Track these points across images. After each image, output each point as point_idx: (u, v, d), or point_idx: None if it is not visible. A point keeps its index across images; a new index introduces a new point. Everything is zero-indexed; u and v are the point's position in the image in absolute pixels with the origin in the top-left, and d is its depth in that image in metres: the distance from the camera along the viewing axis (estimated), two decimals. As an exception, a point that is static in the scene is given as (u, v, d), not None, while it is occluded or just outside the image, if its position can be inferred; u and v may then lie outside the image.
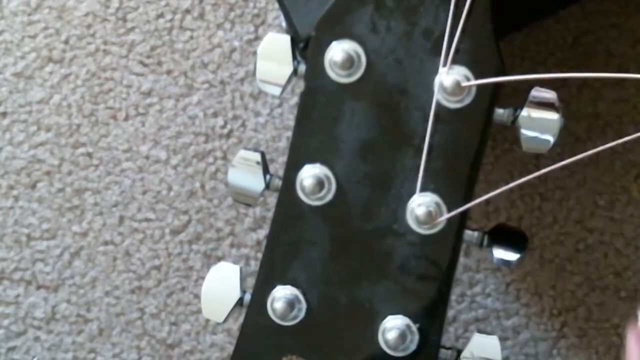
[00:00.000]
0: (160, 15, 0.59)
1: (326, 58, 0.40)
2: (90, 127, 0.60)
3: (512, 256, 0.41)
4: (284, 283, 0.41)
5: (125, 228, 0.60)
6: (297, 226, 0.41)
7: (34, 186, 0.60)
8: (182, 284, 0.60)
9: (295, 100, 0.59)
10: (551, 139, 0.39)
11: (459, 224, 0.40)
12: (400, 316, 0.40)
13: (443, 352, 0.41)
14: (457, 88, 0.39)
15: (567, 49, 0.58)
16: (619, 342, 0.58)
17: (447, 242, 0.40)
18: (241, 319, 0.42)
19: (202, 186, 0.59)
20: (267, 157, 0.56)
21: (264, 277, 0.41)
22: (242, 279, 0.43)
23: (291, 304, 0.41)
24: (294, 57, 0.40)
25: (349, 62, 0.39)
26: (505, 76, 0.39)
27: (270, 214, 0.41)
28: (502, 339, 0.58)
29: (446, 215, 0.39)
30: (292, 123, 0.41)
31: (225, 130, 0.59)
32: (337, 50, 0.39)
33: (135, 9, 0.59)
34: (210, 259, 0.59)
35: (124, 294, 0.60)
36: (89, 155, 0.60)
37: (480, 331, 0.42)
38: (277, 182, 0.41)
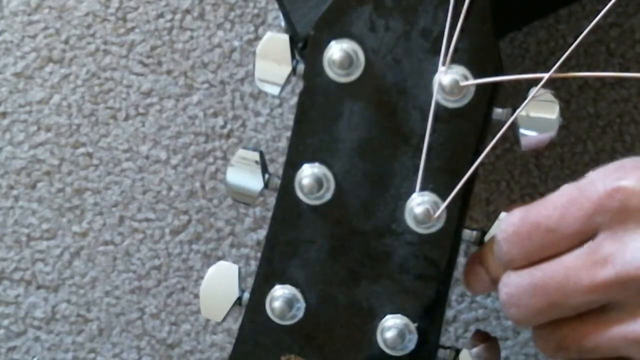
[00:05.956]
0: (160, 15, 0.59)
1: (325, 57, 0.40)
2: (90, 127, 0.60)
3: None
4: (283, 282, 0.41)
5: (125, 228, 0.60)
6: (295, 225, 0.41)
7: (34, 186, 0.60)
8: (182, 284, 0.60)
9: (295, 100, 0.58)
10: (549, 138, 0.39)
11: (457, 223, 0.40)
12: (399, 315, 0.40)
13: (442, 352, 0.41)
14: (456, 87, 0.39)
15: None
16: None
17: (446, 241, 0.40)
18: (241, 319, 0.42)
19: (202, 186, 0.59)
20: (268, 157, 0.56)
21: (262, 276, 0.41)
22: (241, 279, 0.43)
23: (290, 303, 0.41)
24: (293, 57, 0.41)
25: (348, 62, 0.39)
26: (505, 75, 0.39)
27: (270, 214, 0.41)
28: (502, 339, 0.58)
29: (443, 206, 0.39)
30: (292, 123, 0.41)
31: (225, 130, 0.59)
32: (336, 50, 0.39)
33: (135, 9, 0.59)
34: (210, 259, 0.59)
35: (124, 294, 0.60)
36: (89, 155, 0.60)
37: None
38: (276, 182, 0.41)
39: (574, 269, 0.38)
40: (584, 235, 0.38)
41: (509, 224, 0.39)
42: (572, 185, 0.39)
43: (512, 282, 0.39)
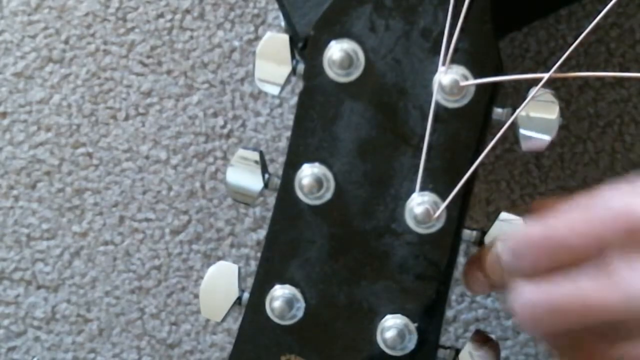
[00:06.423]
0: (160, 15, 0.59)
1: (325, 57, 0.40)
2: (90, 127, 0.60)
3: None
4: (283, 282, 0.41)
5: (125, 228, 0.60)
6: (295, 225, 0.41)
7: (34, 186, 0.60)
8: (182, 284, 0.60)
9: (295, 100, 0.59)
10: (549, 138, 0.39)
11: (457, 223, 0.40)
12: (399, 315, 0.40)
13: (442, 352, 0.41)
14: (456, 87, 0.39)
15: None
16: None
17: (446, 241, 0.40)
18: (241, 319, 0.42)
19: (202, 186, 0.59)
20: (268, 157, 0.56)
21: (262, 276, 0.41)
22: (241, 279, 0.43)
23: (290, 303, 0.41)
24: (293, 57, 0.41)
25: (348, 62, 0.39)
26: (505, 75, 0.39)
27: (270, 214, 0.41)
28: (502, 339, 0.58)
29: (443, 206, 0.39)
30: (292, 123, 0.41)
31: (225, 130, 0.59)
32: (336, 50, 0.39)
33: (135, 9, 0.59)
34: (210, 259, 0.60)
35: (124, 294, 0.60)
36: (89, 155, 0.60)
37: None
38: (276, 182, 0.41)
39: (586, 289, 0.37)
40: (594, 252, 0.38)
41: (518, 235, 0.39)
42: (584, 199, 0.38)
43: (526, 296, 0.39)
